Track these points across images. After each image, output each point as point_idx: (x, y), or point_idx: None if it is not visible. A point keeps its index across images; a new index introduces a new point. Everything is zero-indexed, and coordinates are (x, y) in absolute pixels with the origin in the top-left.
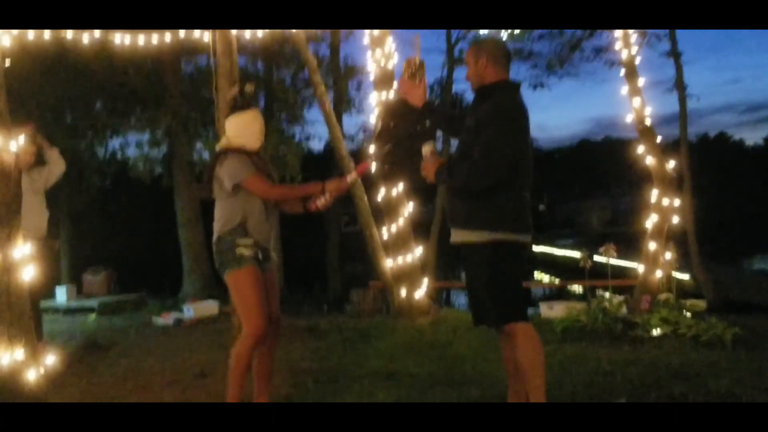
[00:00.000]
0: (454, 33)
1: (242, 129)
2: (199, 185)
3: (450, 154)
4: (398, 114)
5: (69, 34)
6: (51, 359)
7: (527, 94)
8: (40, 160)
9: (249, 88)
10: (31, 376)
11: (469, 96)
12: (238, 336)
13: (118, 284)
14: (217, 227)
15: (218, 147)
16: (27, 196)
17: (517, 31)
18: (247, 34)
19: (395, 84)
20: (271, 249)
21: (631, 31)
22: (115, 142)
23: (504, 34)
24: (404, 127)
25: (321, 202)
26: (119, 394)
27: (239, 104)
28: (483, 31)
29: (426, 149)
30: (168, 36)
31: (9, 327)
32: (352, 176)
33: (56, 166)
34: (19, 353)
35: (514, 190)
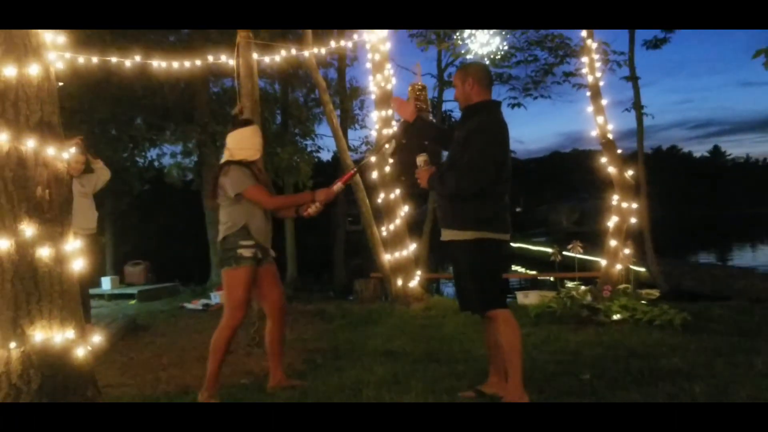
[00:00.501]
0: (444, 59)
1: (244, 142)
2: (205, 195)
3: (440, 163)
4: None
5: (113, 59)
6: (97, 338)
7: (506, 112)
8: (88, 169)
9: (237, 109)
10: (80, 352)
11: (458, 114)
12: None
13: (154, 275)
14: (223, 229)
15: (222, 160)
16: (77, 199)
17: (498, 57)
18: (267, 59)
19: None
20: (270, 247)
21: (595, 58)
22: (152, 153)
23: (486, 60)
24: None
25: (312, 209)
26: (155, 368)
27: (240, 121)
28: (469, 56)
29: (420, 159)
30: (198, 61)
31: (61, 311)
32: (338, 185)
33: (103, 173)
34: (70, 333)
35: (496, 195)
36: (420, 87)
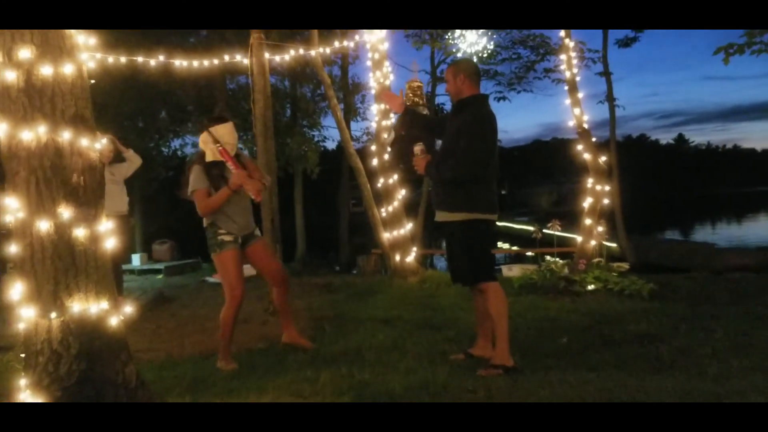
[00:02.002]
0: (437, 57)
1: (226, 138)
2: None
3: (435, 152)
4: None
5: (140, 59)
6: (128, 309)
7: (493, 105)
8: (119, 158)
9: (218, 109)
10: (114, 321)
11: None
12: (271, 290)
13: (179, 252)
14: (204, 220)
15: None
16: (108, 186)
17: (485, 55)
18: (277, 58)
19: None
20: (253, 229)
21: (572, 56)
22: (176, 143)
23: (475, 58)
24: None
25: (254, 195)
26: (181, 335)
27: (220, 117)
28: (459, 54)
29: (417, 148)
30: (215, 60)
31: (96, 284)
32: (233, 170)
33: (134, 160)
34: (104, 304)
35: (485, 181)
36: (417, 84)
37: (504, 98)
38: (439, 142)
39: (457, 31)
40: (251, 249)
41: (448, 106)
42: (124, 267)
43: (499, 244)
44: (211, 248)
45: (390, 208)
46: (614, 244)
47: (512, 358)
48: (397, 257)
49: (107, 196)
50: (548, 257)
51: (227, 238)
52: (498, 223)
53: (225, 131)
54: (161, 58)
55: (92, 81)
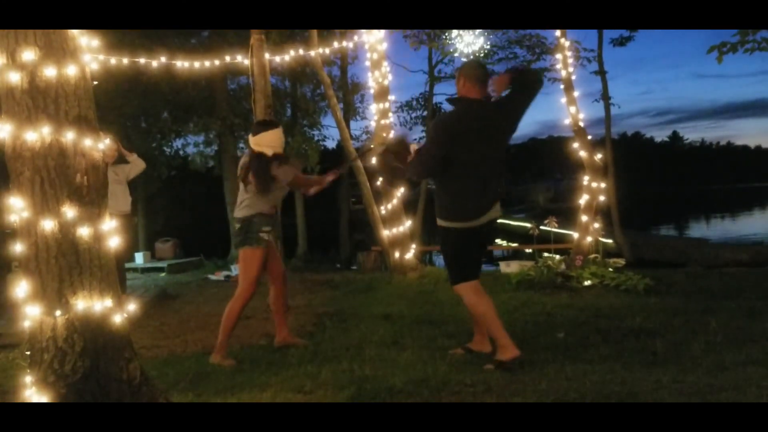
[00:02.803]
0: (434, 57)
1: (277, 141)
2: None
3: None
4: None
5: (142, 60)
6: (132, 306)
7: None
8: (122, 160)
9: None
10: (118, 319)
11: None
12: (270, 290)
13: (182, 250)
14: (247, 211)
15: (256, 153)
16: (112, 186)
17: (482, 55)
18: (277, 58)
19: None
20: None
21: (568, 55)
22: (178, 143)
23: (471, 57)
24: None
25: (314, 190)
26: (184, 331)
27: (270, 122)
28: (456, 54)
29: (413, 147)
30: (217, 61)
31: (100, 282)
32: (330, 176)
33: (137, 164)
34: (108, 302)
35: (454, 189)
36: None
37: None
38: None
39: (455, 31)
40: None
41: (446, 106)
42: (128, 265)
43: (497, 240)
44: (248, 241)
45: (389, 206)
46: (610, 240)
47: (512, 348)
48: (397, 254)
49: (111, 195)
50: (545, 253)
51: (266, 236)
52: (496, 220)
53: (275, 136)
54: (163, 59)
55: (95, 82)
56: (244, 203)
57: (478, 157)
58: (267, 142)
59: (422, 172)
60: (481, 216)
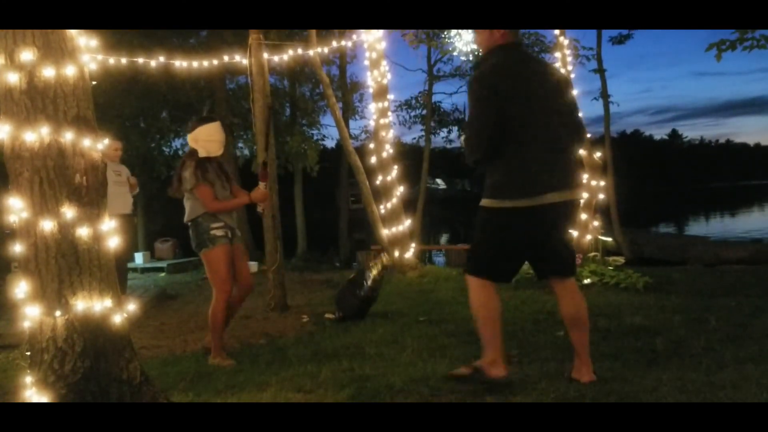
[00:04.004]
0: (433, 56)
1: (213, 136)
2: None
3: None
4: None
5: (140, 60)
6: (132, 306)
7: None
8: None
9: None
10: (117, 319)
11: (446, 105)
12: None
13: (181, 250)
14: (192, 215)
15: (188, 150)
16: (113, 187)
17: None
18: (276, 58)
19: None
20: (236, 228)
21: (567, 53)
22: (177, 142)
23: (470, 57)
24: None
25: (260, 208)
26: (183, 331)
27: (207, 117)
28: (455, 53)
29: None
30: (215, 61)
31: (100, 282)
32: (263, 185)
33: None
34: (108, 302)
35: (515, 157)
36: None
37: None
38: None
39: (453, 30)
40: (234, 247)
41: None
42: (128, 265)
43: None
44: (202, 244)
45: (389, 205)
46: (610, 239)
47: (501, 367)
48: (396, 253)
49: (111, 197)
50: None
51: (220, 233)
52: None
53: (213, 130)
54: (162, 58)
55: (94, 82)
56: (188, 205)
57: (540, 120)
58: (203, 136)
59: (472, 146)
60: (543, 193)
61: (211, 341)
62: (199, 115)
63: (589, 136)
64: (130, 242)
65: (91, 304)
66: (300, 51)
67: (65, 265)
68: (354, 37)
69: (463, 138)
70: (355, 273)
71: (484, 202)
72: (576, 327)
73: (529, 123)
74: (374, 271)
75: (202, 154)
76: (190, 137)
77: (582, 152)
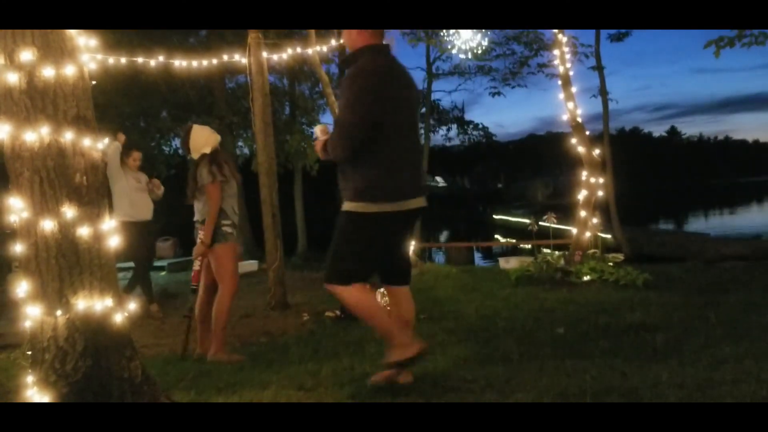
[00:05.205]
0: (432, 54)
1: (201, 134)
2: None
3: None
4: None
5: (140, 60)
6: (133, 305)
7: (488, 101)
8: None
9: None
10: (118, 318)
11: (446, 103)
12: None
13: (182, 249)
14: (206, 211)
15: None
16: (134, 193)
17: (479, 51)
18: (275, 57)
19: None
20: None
21: (566, 51)
22: (176, 142)
23: (470, 54)
24: None
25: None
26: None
27: (185, 128)
28: (454, 51)
29: (317, 129)
30: (215, 60)
31: (100, 282)
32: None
33: (156, 193)
34: (108, 301)
35: (378, 161)
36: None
37: (499, 93)
38: None
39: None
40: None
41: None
42: (127, 265)
43: (496, 236)
44: (214, 239)
45: None
46: (609, 236)
47: (412, 345)
48: None
49: (132, 203)
50: (544, 249)
51: (230, 230)
52: (495, 216)
53: (198, 129)
54: (161, 58)
55: (93, 82)
56: (197, 204)
57: (406, 124)
58: (198, 139)
59: (343, 144)
60: (406, 198)
61: (210, 349)
62: (198, 114)
63: (588, 133)
64: (153, 245)
65: (92, 303)
66: (299, 50)
67: (66, 265)
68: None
69: (322, 134)
70: None
71: (348, 206)
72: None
73: (395, 127)
74: (385, 303)
75: (208, 150)
76: (193, 151)
77: (581, 149)
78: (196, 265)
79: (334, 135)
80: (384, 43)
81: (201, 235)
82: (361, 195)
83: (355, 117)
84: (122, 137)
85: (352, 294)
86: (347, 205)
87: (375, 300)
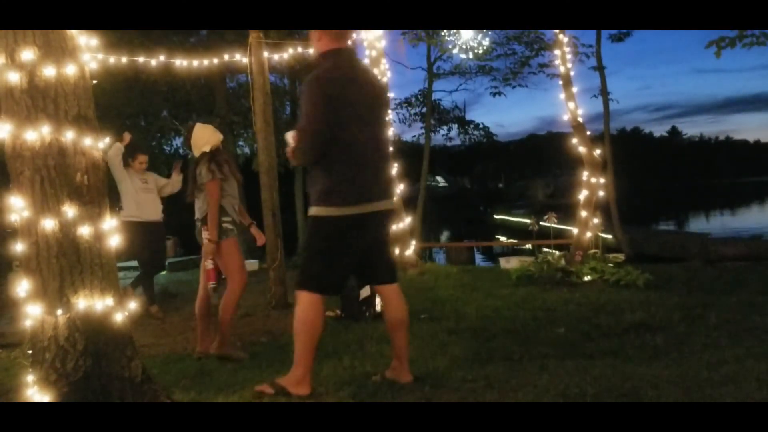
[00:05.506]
0: (433, 53)
1: (203, 133)
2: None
3: None
4: None
5: (141, 59)
6: (133, 305)
7: (488, 101)
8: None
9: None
10: (119, 317)
11: (446, 102)
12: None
13: (182, 248)
14: (206, 209)
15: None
16: (141, 194)
17: (480, 51)
18: (276, 56)
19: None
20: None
21: (566, 51)
22: (177, 141)
23: (470, 54)
24: None
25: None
26: (185, 329)
27: (188, 127)
28: (455, 51)
29: (288, 136)
30: (215, 60)
31: (101, 281)
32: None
33: (174, 184)
34: (109, 300)
35: (341, 166)
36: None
37: (500, 93)
38: None
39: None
40: None
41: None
42: (128, 264)
43: (497, 236)
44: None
45: None
46: (610, 236)
47: (306, 386)
48: (397, 250)
49: (138, 204)
50: (545, 249)
51: (230, 226)
52: (496, 216)
53: (200, 128)
54: (162, 57)
55: (94, 81)
56: (198, 202)
57: (369, 128)
58: (200, 137)
59: (306, 149)
60: (370, 201)
61: (219, 347)
62: (199, 114)
63: (588, 133)
64: (162, 248)
65: (93, 302)
66: (300, 49)
67: (66, 264)
68: (354, 35)
69: (293, 141)
70: (369, 293)
71: (314, 210)
72: (400, 329)
73: (358, 130)
74: None
75: (208, 149)
76: (194, 148)
77: (582, 149)
78: (209, 264)
79: (298, 142)
80: (347, 46)
81: (206, 236)
82: (325, 199)
83: (313, 124)
84: (128, 137)
85: (305, 307)
86: (312, 210)
87: (318, 325)
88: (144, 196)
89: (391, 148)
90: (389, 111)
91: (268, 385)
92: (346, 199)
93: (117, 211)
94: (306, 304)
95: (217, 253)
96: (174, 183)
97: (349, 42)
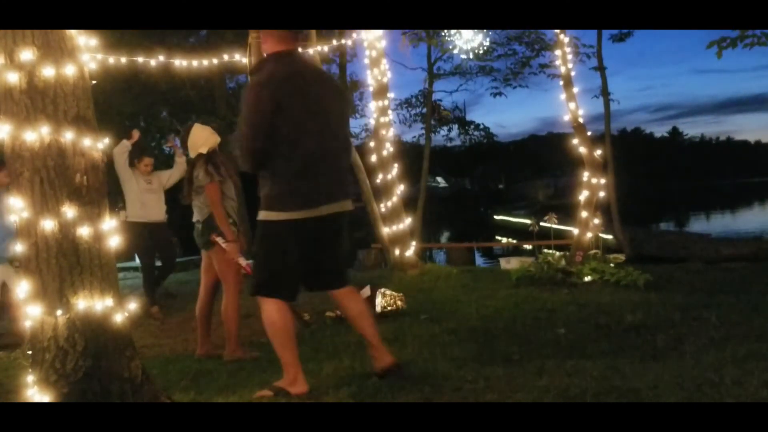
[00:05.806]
0: (433, 54)
1: (200, 134)
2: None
3: None
4: None
5: (140, 59)
6: (133, 305)
7: (489, 101)
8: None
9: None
10: (119, 318)
11: (447, 103)
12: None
13: (182, 249)
14: (206, 211)
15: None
16: (145, 195)
17: (481, 52)
18: None
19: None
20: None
21: (567, 51)
22: (176, 141)
23: (471, 54)
24: None
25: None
26: (185, 330)
27: (185, 127)
28: (455, 51)
29: (232, 138)
30: (215, 60)
31: (101, 282)
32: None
33: (179, 167)
34: (109, 301)
35: (286, 169)
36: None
37: (500, 94)
38: None
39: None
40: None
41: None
42: (128, 265)
43: (497, 237)
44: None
45: (389, 203)
46: (610, 236)
47: (303, 383)
48: (397, 251)
49: (142, 204)
50: (545, 250)
51: (233, 228)
52: (496, 216)
53: (198, 129)
54: (161, 58)
55: (94, 81)
56: (201, 202)
57: (319, 131)
58: (196, 138)
59: (246, 157)
60: (318, 205)
61: (231, 353)
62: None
63: (589, 133)
64: (170, 248)
65: (93, 303)
66: (299, 49)
67: (66, 265)
68: (354, 35)
69: (237, 145)
70: (369, 294)
71: (262, 215)
72: (362, 319)
73: (302, 134)
74: (385, 304)
75: (205, 150)
76: (190, 149)
77: (582, 150)
78: (243, 261)
79: (240, 147)
80: (293, 48)
81: (222, 242)
82: (272, 203)
83: (251, 129)
84: (137, 134)
85: (270, 311)
86: (261, 214)
87: (288, 324)
88: (148, 197)
89: (353, 150)
90: (352, 111)
91: (267, 390)
92: (292, 203)
93: (117, 211)
94: (268, 310)
95: (214, 255)
96: (179, 166)
97: (297, 44)
